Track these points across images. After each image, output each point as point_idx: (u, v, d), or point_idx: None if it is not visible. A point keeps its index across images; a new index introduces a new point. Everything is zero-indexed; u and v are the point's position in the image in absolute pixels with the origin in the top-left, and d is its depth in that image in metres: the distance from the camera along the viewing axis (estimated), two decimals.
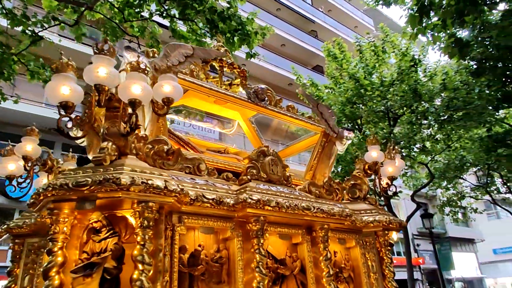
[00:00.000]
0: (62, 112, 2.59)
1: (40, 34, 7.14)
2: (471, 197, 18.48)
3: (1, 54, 6.50)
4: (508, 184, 17.36)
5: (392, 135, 14.19)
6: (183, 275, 2.62)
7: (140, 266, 2.27)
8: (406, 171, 17.52)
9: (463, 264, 23.77)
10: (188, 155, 3.11)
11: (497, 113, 14.86)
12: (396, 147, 3.80)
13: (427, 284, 17.93)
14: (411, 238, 19.93)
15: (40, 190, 2.38)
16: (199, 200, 2.67)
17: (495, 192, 18.23)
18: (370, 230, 3.41)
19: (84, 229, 2.57)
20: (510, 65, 11.75)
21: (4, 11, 6.74)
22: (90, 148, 3.65)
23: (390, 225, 3.38)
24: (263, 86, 3.92)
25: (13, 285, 3.15)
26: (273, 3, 21.47)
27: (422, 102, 14.55)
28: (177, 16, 7.83)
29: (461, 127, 15.02)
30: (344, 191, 3.65)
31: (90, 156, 3.67)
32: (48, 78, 6.91)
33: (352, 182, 3.66)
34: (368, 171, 3.63)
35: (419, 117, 14.76)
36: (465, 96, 13.52)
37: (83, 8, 7.15)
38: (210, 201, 2.71)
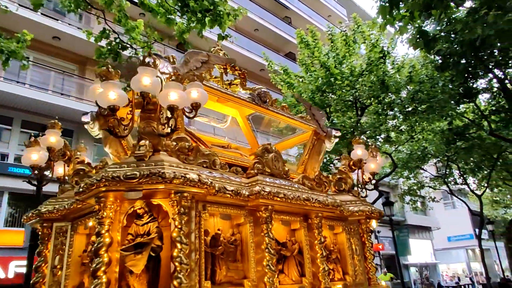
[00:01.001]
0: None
1: None
2: (430, 187, 20.17)
3: None
4: (465, 175, 19.08)
5: (359, 124, 15.16)
6: (206, 254, 3.26)
7: (178, 246, 2.89)
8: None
9: (419, 250, 25.89)
10: (205, 151, 3.72)
11: (458, 108, 16.04)
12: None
13: (385, 269, 19.51)
14: None
15: (94, 181, 2.92)
16: (222, 191, 3.31)
17: (452, 183, 20.00)
18: (354, 218, 4.22)
19: (124, 214, 3.14)
20: (472, 62, 12.97)
21: None
22: (107, 141, 4.16)
23: (372, 215, 4.20)
24: (264, 89, 4.56)
25: (42, 265, 3.66)
26: None
27: (389, 94, 15.48)
28: None
29: (424, 120, 16.05)
30: (331, 184, 4.41)
31: (106, 149, 4.21)
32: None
33: (338, 176, 4.42)
34: (353, 167, 4.40)
35: (385, 108, 15.75)
36: (429, 90, 14.57)
37: None
38: (230, 192, 3.35)
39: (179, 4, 7.65)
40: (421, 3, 7.84)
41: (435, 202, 20.39)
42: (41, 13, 14.57)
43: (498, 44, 12.54)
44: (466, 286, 26.21)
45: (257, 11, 21.34)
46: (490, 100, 15.82)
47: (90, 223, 3.48)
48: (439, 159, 18.61)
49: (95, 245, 2.90)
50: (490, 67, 13.11)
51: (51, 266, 3.61)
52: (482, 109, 15.47)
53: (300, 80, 16.87)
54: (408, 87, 15.96)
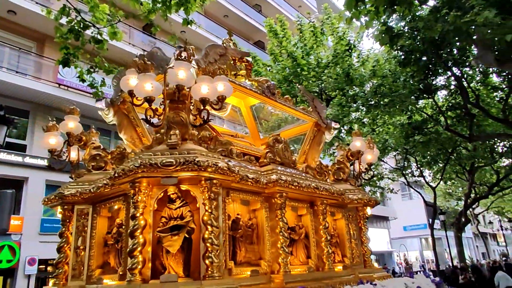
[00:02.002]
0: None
1: None
2: (389, 178, 21.48)
3: None
4: (421, 168, 20.49)
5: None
6: (228, 237, 3.62)
7: (209, 228, 3.23)
8: (334, 150, 19.70)
9: (377, 239, 27.55)
10: (222, 140, 4.04)
11: (417, 103, 17.11)
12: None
13: None
14: None
15: (132, 167, 3.17)
16: (244, 179, 3.66)
17: (410, 175, 21.44)
18: (353, 205, 4.73)
19: (155, 199, 3.41)
20: (433, 59, 13.93)
21: None
22: (121, 128, 4.38)
23: (369, 202, 4.73)
24: (273, 82, 4.93)
25: (65, 245, 3.86)
26: None
27: (353, 87, 16.37)
28: None
29: (386, 113, 17.06)
30: (331, 173, 4.89)
31: (121, 135, 4.42)
32: None
33: (337, 166, 4.91)
34: (351, 157, 4.90)
35: (349, 101, 16.54)
36: (391, 84, 15.43)
37: None
38: (251, 180, 3.72)
39: None
40: None
41: (393, 193, 21.79)
42: None
43: (457, 44, 13.63)
44: (418, 272, 28.21)
45: None
46: (447, 97, 17.02)
47: (116, 206, 3.72)
48: (398, 152, 19.73)
49: (131, 227, 3.18)
50: (449, 65, 14.10)
51: (74, 247, 3.81)
52: (440, 105, 16.56)
53: (268, 69, 17.29)
54: (372, 81, 16.79)
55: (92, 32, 7.76)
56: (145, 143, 4.36)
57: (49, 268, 15.22)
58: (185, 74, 3.29)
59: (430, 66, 14.35)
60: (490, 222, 37.25)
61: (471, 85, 15.44)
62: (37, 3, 14.67)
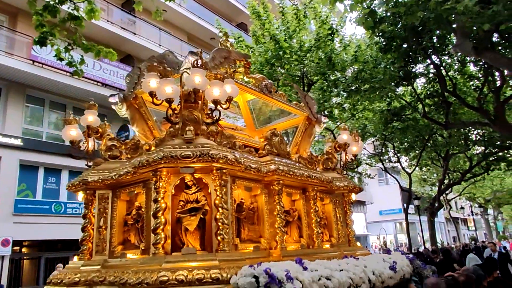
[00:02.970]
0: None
1: None
2: (366, 164, 22.63)
3: None
4: (398, 154, 21.69)
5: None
6: (234, 218, 4.33)
7: (220, 210, 3.93)
8: (319, 140, 20.51)
9: (354, 223, 28.96)
10: (227, 134, 4.71)
11: (397, 90, 18.01)
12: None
13: None
14: None
15: (156, 158, 3.82)
16: (248, 169, 4.36)
17: (387, 160, 22.65)
18: (340, 192, 5.52)
19: (172, 186, 4.07)
20: (413, 46, 14.75)
21: None
22: (134, 121, 5.00)
23: (354, 189, 5.55)
24: (269, 81, 5.60)
25: (88, 225, 4.51)
26: None
27: (335, 71, 17.04)
28: None
29: (366, 99, 17.83)
30: (320, 163, 5.65)
31: (134, 127, 5.03)
32: None
33: (326, 157, 5.67)
34: (338, 149, 5.68)
35: (330, 85, 17.26)
36: (372, 70, 16.19)
37: None
38: (254, 169, 4.42)
39: None
40: None
41: (370, 178, 23.01)
42: None
43: (437, 32, 14.51)
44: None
45: None
46: (425, 85, 17.99)
47: (135, 191, 4.37)
48: (377, 137, 20.76)
49: (154, 209, 3.85)
50: (429, 53, 14.95)
51: (97, 226, 4.47)
52: (418, 93, 17.51)
53: (250, 51, 17.76)
54: (353, 66, 17.46)
55: (68, 8, 7.56)
56: (156, 135, 5.01)
57: (24, 250, 15.68)
58: (200, 79, 3.94)
59: (411, 53, 15.11)
60: (462, 208, 39.59)
61: (449, 73, 16.41)
62: None
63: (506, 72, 13.78)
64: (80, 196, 4.81)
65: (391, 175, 24.05)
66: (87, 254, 4.54)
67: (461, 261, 12.88)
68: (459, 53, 15.71)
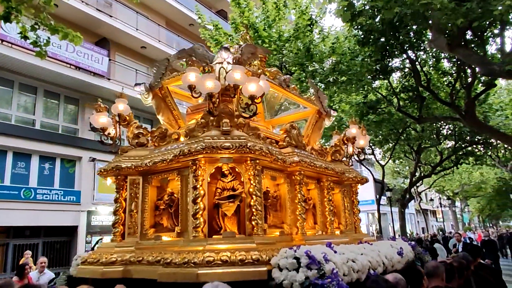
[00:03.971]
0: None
1: None
2: None
3: None
4: (373, 147, 22.80)
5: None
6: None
7: (254, 197, 4.47)
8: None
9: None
10: (252, 126, 5.23)
11: (373, 82, 18.89)
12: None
13: None
14: None
15: (199, 148, 4.30)
16: (276, 160, 4.91)
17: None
18: (348, 182, 6.19)
19: (208, 174, 4.56)
20: (391, 40, 15.55)
21: None
22: (159, 110, 5.43)
23: (361, 180, 6.23)
24: (287, 76, 6.16)
25: (119, 209, 4.93)
26: None
27: (313, 63, 17.77)
28: None
29: (342, 91, 18.66)
30: (329, 154, 6.28)
31: (159, 116, 5.47)
32: None
33: (334, 149, 6.31)
34: (346, 141, 6.34)
35: (308, 76, 17.76)
36: (349, 62, 16.97)
37: None
38: (280, 160, 4.97)
39: None
40: None
41: None
42: None
43: (414, 27, 15.37)
44: None
45: None
46: (401, 79, 18.95)
47: (168, 178, 4.84)
48: None
49: (193, 195, 4.34)
50: (405, 47, 15.72)
51: (128, 210, 4.90)
52: (394, 87, 18.45)
53: (229, 39, 18.14)
54: (331, 58, 18.18)
55: None
56: (180, 124, 5.45)
57: None
58: (240, 75, 4.44)
59: (388, 47, 15.83)
60: (431, 200, 42.01)
61: (424, 69, 17.35)
62: None
63: (477, 69, 14.77)
64: (109, 181, 5.21)
65: (366, 167, 25.25)
66: (118, 236, 4.96)
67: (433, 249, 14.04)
68: (434, 49, 16.68)
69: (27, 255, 11.49)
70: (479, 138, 20.49)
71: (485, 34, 14.04)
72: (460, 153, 22.43)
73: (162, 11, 21.20)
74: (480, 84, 16.98)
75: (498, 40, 14.23)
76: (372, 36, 15.03)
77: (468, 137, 20.84)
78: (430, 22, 11.77)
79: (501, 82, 21.70)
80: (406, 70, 17.74)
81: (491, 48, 15.79)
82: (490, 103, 19.56)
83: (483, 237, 16.80)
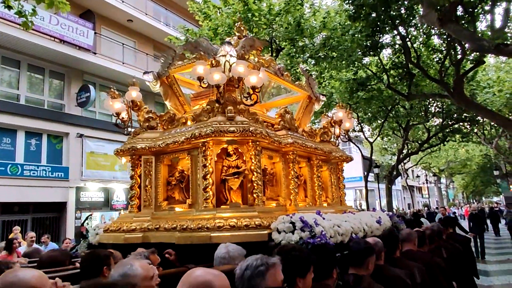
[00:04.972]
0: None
1: None
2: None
3: None
4: (362, 124, 23.98)
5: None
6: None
7: (255, 174, 5.50)
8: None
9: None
10: (250, 111, 6.22)
11: (363, 59, 19.85)
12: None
13: None
14: None
15: (208, 131, 5.29)
16: (273, 141, 5.93)
17: (350, 130, 24.91)
18: (335, 161, 7.27)
19: (215, 154, 5.57)
20: (382, 16, 16.35)
21: None
22: (167, 96, 6.39)
23: (346, 159, 7.32)
24: (282, 64, 7.12)
25: (135, 185, 5.93)
26: None
27: (303, 37, 18.46)
28: None
29: (333, 67, 19.51)
30: (318, 135, 7.33)
31: (166, 102, 6.43)
32: None
33: (323, 130, 7.36)
34: (333, 124, 7.39)
35: (298, 51, 18.70)
36: (340, 37, 17.78)
37: None
38: (276, 142, 6.00)
39: None
40: None
41: None
42: None
43: (406, 2, 16.24)
44: None
45: None
46: (391, 56, 19.88)
47: (179, 158, 5.84)
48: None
49: (203, 172, 5.35)
50: (396, 23, 16.57)
51: (143, 186, 5.90)
52: (384, 63, 19.42)
53: (218, 12, 18.69)
54: (322, 33, 18.94)
55: None
56: (186, 109, 6.42)
57: None
58: (243, 69, 5.40)
59: (379, 22, 16.57)
60: (418, 176, 43.95)
61: (414, 45, 18.27)
62: None
63: (467, 45, 15.66)
64: (123, 160, 6.19)
65: (354, 144, 26.55)
66: (135, 208, 5.99)
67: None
68: (425, 25, 17.60)
69: (15, 231, 12.10)
70: (466, 115, 21.72)
71: (476, 10, 14.97)
72: (447, 130, 23.73)
73: None
74: (469, 62, 17.89)
75: (488, 17, 15.23)
76: (363, 11, 15.69)
77: (455, 115, 22.06)
78: None
79: (489, 59, 22.88)
80: (397, 46, 18.54)
81: (481, 25, 16.63)
82: (478, 81, 20.70)
83: (471, 211, 18.30)
